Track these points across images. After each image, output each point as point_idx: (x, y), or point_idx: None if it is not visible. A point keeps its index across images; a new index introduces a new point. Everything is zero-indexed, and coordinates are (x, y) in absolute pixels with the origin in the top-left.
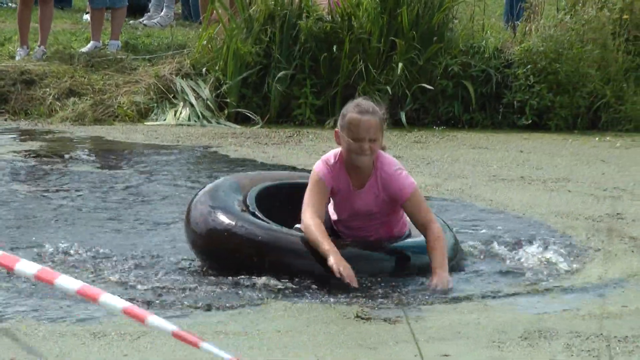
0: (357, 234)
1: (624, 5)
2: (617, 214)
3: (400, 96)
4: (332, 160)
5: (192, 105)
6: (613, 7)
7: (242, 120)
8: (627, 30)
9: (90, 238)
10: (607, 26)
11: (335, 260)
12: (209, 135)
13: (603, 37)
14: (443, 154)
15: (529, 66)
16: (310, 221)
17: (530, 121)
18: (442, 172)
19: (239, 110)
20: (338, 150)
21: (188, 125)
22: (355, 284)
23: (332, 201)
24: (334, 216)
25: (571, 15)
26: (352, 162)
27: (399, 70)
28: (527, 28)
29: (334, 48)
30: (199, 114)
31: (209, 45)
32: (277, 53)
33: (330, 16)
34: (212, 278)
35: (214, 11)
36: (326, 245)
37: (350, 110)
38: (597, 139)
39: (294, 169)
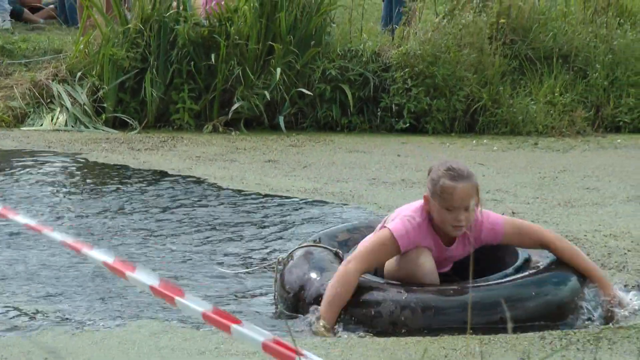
0: None
1: (501, 10)
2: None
3: (279, 100)
4: (417, 220)
5: (68, 110)
6: (490, 12)
7: (120, 125)
8: (503, 34)
9: None
10: (484, 30)
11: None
12: (82, 140)
13: (480, 41)
14: (319, 158)
15: (406, 70)
16: (348, 277)
17: (408, 124)
18: (319, 176)
19: (117, 115)
20: (419, 204)
21: (65, 130)
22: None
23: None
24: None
25: (449, 19)
26: (447, 233)
27: (277, 75)
28: (405, 32)
29: (212, 53)
30: (76, 119)
31: (86, 50)
32: (154, 58)
33: (207, 21)
34: None
35: (91, 16)
36: (330, 315)
37: (442, 176)
38: (474, 142)
39: (164, 174)
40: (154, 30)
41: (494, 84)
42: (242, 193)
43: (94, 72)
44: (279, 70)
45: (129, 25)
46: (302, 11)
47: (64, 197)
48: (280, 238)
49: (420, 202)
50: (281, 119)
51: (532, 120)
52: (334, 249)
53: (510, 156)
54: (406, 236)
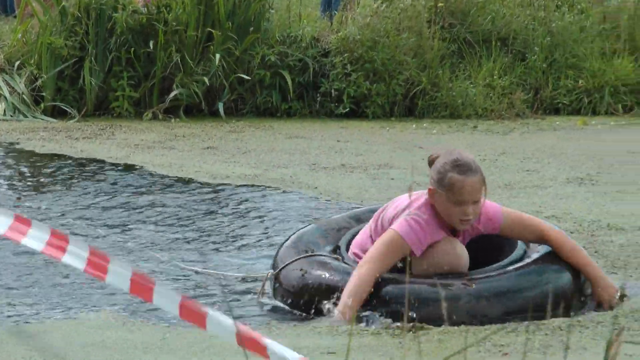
0: None
1: None
2: None
3: (218, 87)
4: (423, 217)
5: (7, 99)
6: None
7: (59, 114)
8: (442, 17)
9: None
10: (422, 14)
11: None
12: (19, 129)
13: (419, 25)
14: (259, 144)
15: (345, 54)
16: (364, 277)
17: (347, 109)
18: (259, 162)
19: (56, 104)
20: (422, 198)
21: (3, 120)
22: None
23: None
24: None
25: (388, 4)
26: (454, 226)
27: (216, 61)
28: (343, 17)
29: (150, 40)
30: (14, 108)
31: (24, 39)
32: (92, 46)
33: (145, 8)
34: None
35: (29, 5)
36: (352, 304)
37: (449, 169)
38: (414, 126)
39: (102, 162)
40: (92, 18)
41: (433, 68)
42: (181, 180)
43: (32, 61)
44: (218, 56)
45: (63, 4)
46: None
47: None
48: (221, 224)
49: (421, 195)
50: (221, 106)
51: (471, 103)
52: (334, 255)
53: (450, 139)
54: (414, 235)
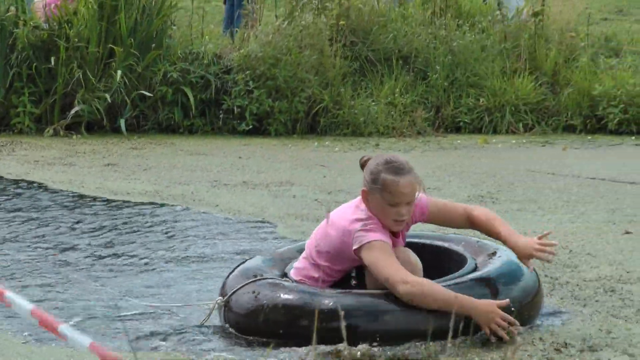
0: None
1: (341, 12)
2: None
3: (120, 103)
4: (375, 221)
5: None
6: (330, 13)
7: None
8: (343, 35)
9: None
10: (324, 32)
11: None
12: None
13: (320, 43)
14: (160, 161)
15: (248, 72)
16: (416, 279)
17: (250, 126)
18: (160, 178)
19: None
20: (358, 208)
21: None
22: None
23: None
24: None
25: (289, 21)
26: (388, 227)
27: (117, 78)
28: (245, 34)
29: (52, 56)
30: None
31: None
32: None
33: (47, 24)
34: None
35: None
36: (461, 296)
37: (383, 171)
38: (316, 143)
39: (1, 179)
40: None
41: (335, 86)
42: (82, 197)
43: None
44: (119, 73)
45: None
46: (142, 13)
47: None
48: (121, 244)
49: (355, 204)
50: (122, 122)
51: (373, 121)
52: (282, 277)
53: (352, 157)
54: (381, 237)
